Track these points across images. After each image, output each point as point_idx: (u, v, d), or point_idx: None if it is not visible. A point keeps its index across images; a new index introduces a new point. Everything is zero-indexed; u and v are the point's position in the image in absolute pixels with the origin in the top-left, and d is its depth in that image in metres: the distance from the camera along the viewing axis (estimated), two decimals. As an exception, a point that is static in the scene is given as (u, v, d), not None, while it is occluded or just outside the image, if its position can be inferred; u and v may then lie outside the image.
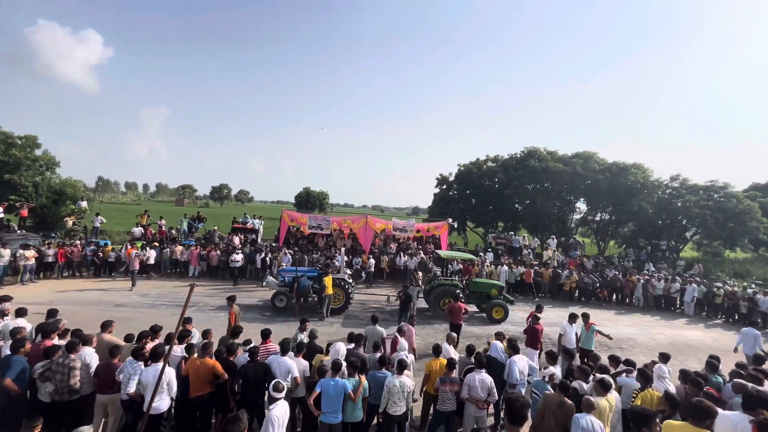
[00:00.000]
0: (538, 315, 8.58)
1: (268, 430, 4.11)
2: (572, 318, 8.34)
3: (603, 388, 4.77)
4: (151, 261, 16.17)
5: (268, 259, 16.99)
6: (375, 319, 7.73)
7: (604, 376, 5.34)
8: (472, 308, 13.11)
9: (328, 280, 11.99)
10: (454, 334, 7.54)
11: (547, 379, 5.42)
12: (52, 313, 6.25)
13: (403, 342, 6.50)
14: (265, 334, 6.33)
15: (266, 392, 5.40)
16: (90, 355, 5.16)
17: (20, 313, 6.29)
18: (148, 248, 16.40)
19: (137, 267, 14.74)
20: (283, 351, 5.61)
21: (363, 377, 5.20)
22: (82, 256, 15.76)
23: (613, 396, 4.88)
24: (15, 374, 4.71)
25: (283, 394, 4.47)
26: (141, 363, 4.95)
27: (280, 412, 4.28)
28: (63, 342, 5.38)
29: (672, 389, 5.22)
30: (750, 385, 5.13)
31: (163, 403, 4.81)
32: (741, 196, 24.32)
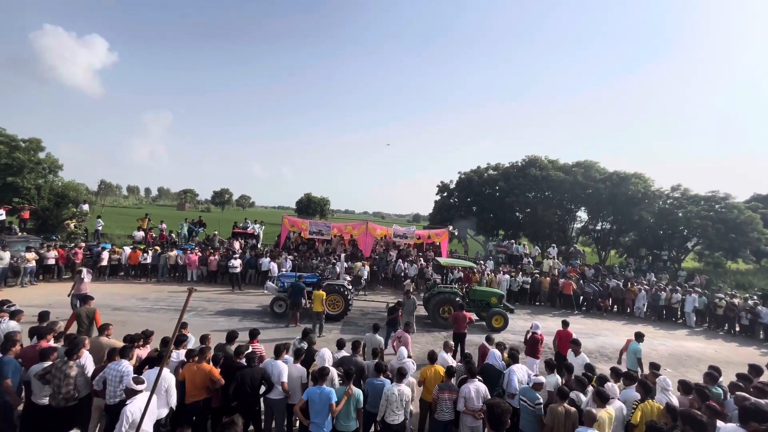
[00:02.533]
0: (567, 328, 8.45)
1: (119, 428, 3.95)
2: (575, 344, 7.47)
3: (601, 399, 4.74)
4: (105, 262, 15.95)
5: (270, 264, 16.91)
6: (376, 328, 7.69)
7: (604, 387, 5.29)
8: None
9: (317, 296, 10.78)
10: (452, 342, 7.50)
11: (533, 385, 5.33)
12: (43, 316, 6.20)
13: (402, 349, 6.47)
14: (253, 334, 6.34)
15: (261, 398, 5.36)
16: (85, 358, 5.12)
17: (13, 315, 6.22)
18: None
19: (86, 289, 10.59)
20: (277, 354, 5.60)
21: (352, 387, 5.03)
22: (86, 258, 15.81)
23: (613, 407, 4.85)
24: (8, 376, 4.65)
25: (142, 387, 4.27)
26: (126, 362, 4.90)
27: (136, 407, 4.04)
28: (59, 345, 5.36)
29: (675, 401, 5.14)
30: (752, 398, 5.07)
31: (162, 410, 4.73)
32: (742, 207, 24.29)
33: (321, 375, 4.93)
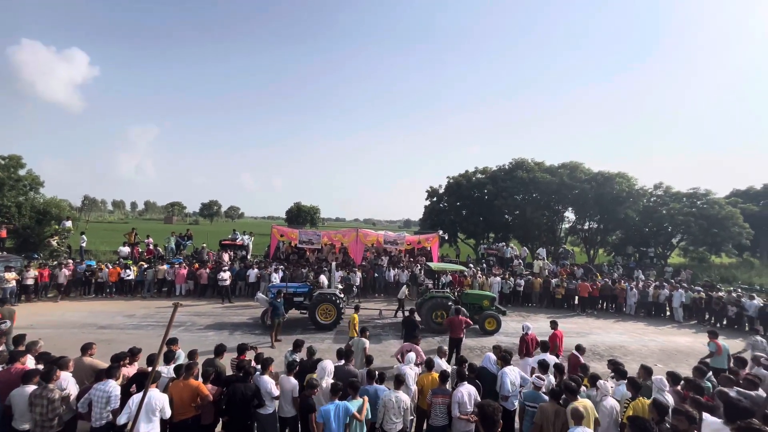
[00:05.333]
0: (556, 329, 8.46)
1: None
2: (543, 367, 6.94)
3: (570, 392, 4.82)
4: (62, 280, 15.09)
5: (257, 274, 16.76)
6: (363, 331, 7.67)
7: (596, 385, 5.33)
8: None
9: (353, 319, 9.44)
10: (445, 347, 7.48)
11: (536, 388, 5.36)
12: (19, 339, 5.97)
13: (411, 355, 6.44)
14: (241, 349, 6.22)
15: (254, 413, 5.24)
16: (67, 380, 4.95)
17: None
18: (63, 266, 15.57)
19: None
20: (263, 368, 5.50)
21: (366, 399, 4.96)
22: (72, 274, 15.41)
23: (607, 404, 4.93)
24: None
25: None
26: (113, 382, 4.74)
27: None
28: (40, 366, 5.19)
29: (671, 401, 5.16)
30: (735, 390, 5.15)
31: (154, 429, 4.53)
32: (723, 203, 24.98)
33: (334, 391, 4.74)
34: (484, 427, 3.43)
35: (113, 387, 4.70)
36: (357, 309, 9.90)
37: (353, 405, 4.74)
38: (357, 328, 9.10)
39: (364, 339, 7.42)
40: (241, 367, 5.42)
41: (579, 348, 7.05)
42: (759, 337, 11.38)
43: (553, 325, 8.63)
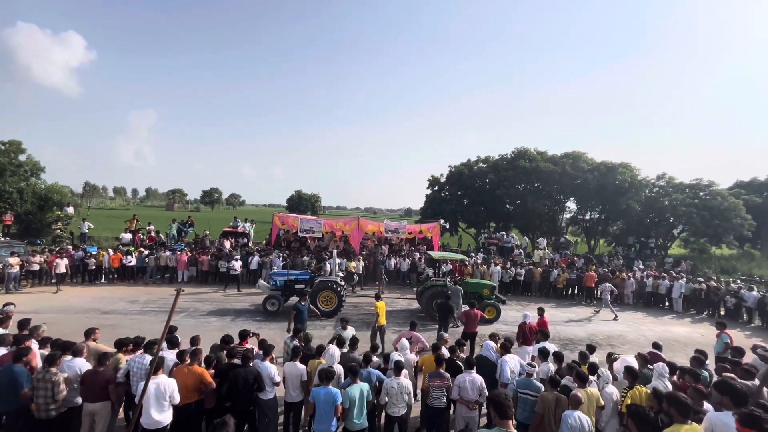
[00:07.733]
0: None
1: None
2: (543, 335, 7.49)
3: (580, 379, 4.87)
4: (62, 269, 14.65)
5: (259, 262, 16.84)
6: (343, 321, 7.72)
7: (596, 375, 5.38)
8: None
9: (380, 306, 9.50)
10: (446, 335, 7.52)
11: (527, 375, 5.42)
12: (23, 324, 6.02)
13: (404, 341, 6.50)
14: (243, 335, 6.27)
15: (256, 398, 5.31)
16: (80, 366, 5.02)
17: (0, 322, 6.10)
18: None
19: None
20: (265, 354, 5.55)
21: (365, 385, 5.03)
22: (72, 261, 15.49)
23: (607, 392, 5.01)
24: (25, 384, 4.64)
25: None
26: (149, 357, 4.87)
27: None
28: (45, 351, 5.25)
29: (670, 388, 5.20)
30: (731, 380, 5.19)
31: (166, 415, 4.58)
32: (726, 194, 24.82)
33: (327, 376, 4.84)
34: (500, 416, 3.43)
35: (149, 360, 4.87)
36: (378, 297, 9.84)
37: (354, 389, 4.85)
38: (383, 315, 9.49)
39: (344, 329, 7.36)
40: (242, 355, 5.49)
41: (656, 345, 6.97)
42: (608, 284, 14.47)
43: (540, 311, 9.07)
